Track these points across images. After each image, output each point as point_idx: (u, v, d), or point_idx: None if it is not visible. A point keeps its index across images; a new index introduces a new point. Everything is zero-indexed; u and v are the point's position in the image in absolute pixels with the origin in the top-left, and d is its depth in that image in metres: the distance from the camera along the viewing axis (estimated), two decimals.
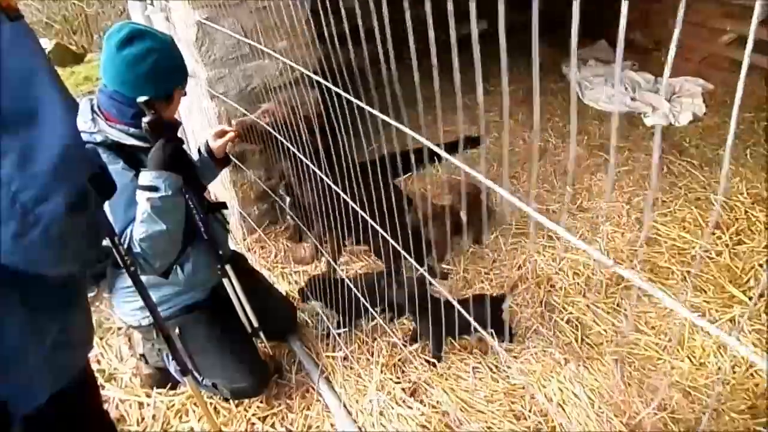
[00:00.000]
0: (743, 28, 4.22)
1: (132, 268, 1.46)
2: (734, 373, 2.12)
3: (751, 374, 2.10)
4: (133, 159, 1.69)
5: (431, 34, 1.03)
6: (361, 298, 2.02)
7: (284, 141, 2.14)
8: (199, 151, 2.11)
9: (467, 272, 2.76)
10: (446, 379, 2.17)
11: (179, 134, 1.88)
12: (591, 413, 1.98)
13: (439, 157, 3.07)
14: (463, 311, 1.34)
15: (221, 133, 2.10)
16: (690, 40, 4.54)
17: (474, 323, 1.40)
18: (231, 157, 2.22)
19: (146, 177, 1.58)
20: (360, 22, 1.20)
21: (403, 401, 2.09)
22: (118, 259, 1.42)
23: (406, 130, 1.30)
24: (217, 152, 2.09)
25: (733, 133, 0.66)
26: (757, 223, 2.86)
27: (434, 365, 2.22)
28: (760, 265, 2.59)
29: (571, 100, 0.76)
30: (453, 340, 2.30)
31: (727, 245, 2.73)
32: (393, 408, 2.06)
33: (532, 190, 3.04)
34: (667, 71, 0.72)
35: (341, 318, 2.34)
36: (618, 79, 0.73)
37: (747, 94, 4.03)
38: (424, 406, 2.06)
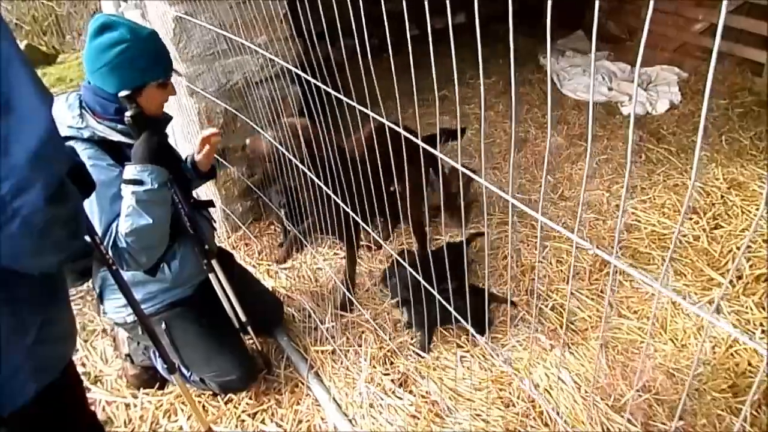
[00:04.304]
0: (716, 17, 4.29)
1: (114, 267, 1.45)
2: (714, 353, 2.17)
3: (731, 354, 2.15)
4: (121, 155, 1.67)
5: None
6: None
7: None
8: (185, 161, 2.08)
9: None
10: (434, 369, 2.18)
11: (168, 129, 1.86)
12: (577, 397, 2.02)
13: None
14: (444, 302, 1.36)
15: (201, 147, 2.01)
16: (664, 29, 4.61)
17: (455, 313, 1.42)
18: (216, 170, 2.19)
19: (131, 171, 1.57)
20: (337, 16, 1.21)
21: (393, 392, 2.10)
22: (100, 257, 1.41)
23: (385, 121, 1.30)
24: (201, 166, 2.04)
25: (704, 119, 0.67)
26: (734, 208, 2.93)
27: (421, 356, 2.24)
28: (738, 248, 2.65)
29: (548, 90, 0.77)
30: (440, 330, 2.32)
31: (704, 230, 2.79)
32: (383, 399, 2.07)
33: (512, 179, 3.06)
34: (639, 60, 0.74)
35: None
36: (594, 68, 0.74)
37: (720, 82, 4.14)
38: (414, 396, 2.08)
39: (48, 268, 0.94)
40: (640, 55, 0.73)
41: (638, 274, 0.72)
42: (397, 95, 1.21)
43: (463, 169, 1.02)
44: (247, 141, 2.29)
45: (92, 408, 1.79)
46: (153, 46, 1.70)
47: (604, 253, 0.77)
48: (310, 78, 1.49)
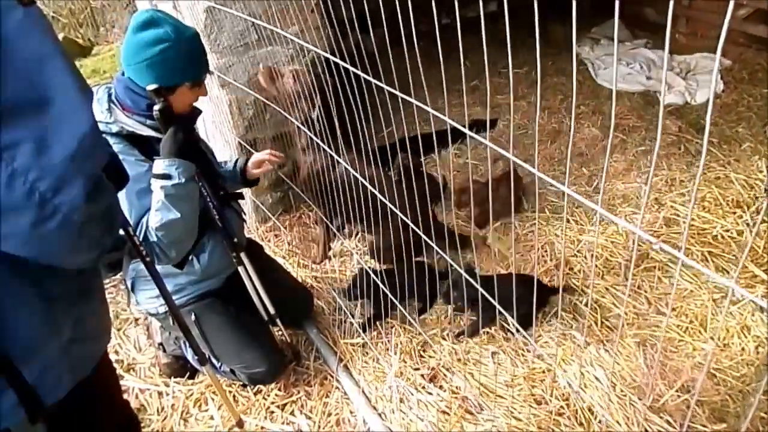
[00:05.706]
0: (759, 2, 4.11)
1: (147, 258, 1.46)
2: (758, 354, 2.08)
3: None
4: (150, 150, 1.68)
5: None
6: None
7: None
8: (235, 163, 2.13)
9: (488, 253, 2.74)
10: (465, 364, 2.15)
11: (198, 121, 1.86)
12: (613, 396, 1.96)
13: (462, 138, 3.00)
14: (486, 294, 1.32)
15: (260, 163, 2.11)
16: (705, 15, 4.44)
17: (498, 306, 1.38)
18: (259, 181, 2.25)
19: (159, 165, 1.58)
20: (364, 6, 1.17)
21: (423, 387, 2.07)
22: (133, 249, 1.42)
23: (428, 108, 1.28)
24: (249, 176, 2.12)
25: None
26: None
27: (455, 352, 2.20)
28: None
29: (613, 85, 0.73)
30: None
31: (747, 224, 2.68)
32: (413, 394, 2.05)
33: (568, 170, 3.00)
34: (718, 53, 0.69)
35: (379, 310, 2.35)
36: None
37: (765, 70, 3.97)
38: (444, 391, 2.05)
39: (85, 264, 0.94)
40: (720, 48, 0.67)
41: (708, 271, 0.68)
42: (444, 83, 1.19)
43: (517, 161, 0.99)
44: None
45: (125, 396, 1.81)
46: (193, 47, 1.69)
47: (672, 249, 0.72)
48: (348, 66, 1.46)
